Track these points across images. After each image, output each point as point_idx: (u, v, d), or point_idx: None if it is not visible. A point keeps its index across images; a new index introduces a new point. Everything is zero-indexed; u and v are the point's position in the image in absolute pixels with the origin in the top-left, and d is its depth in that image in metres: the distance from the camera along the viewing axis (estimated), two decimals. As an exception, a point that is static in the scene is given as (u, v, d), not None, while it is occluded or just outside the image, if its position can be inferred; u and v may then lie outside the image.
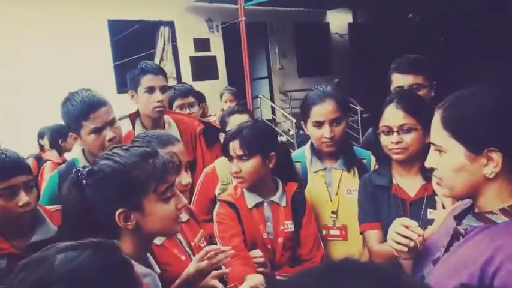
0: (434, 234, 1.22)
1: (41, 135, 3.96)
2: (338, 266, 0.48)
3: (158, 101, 2.12)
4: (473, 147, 0.97)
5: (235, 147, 1.63)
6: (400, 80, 2.02)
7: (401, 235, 1.14)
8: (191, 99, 2.69)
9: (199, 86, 7.41)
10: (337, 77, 9.63)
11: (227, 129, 2.01)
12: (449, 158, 1.01)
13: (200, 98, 2.85)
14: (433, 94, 2.02)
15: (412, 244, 1.13)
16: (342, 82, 8.71)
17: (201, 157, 2.27)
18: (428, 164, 1.09)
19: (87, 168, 1.07)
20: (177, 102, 2.66)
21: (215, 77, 7.96)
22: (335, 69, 10.04)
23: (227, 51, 8.12)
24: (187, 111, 2.64)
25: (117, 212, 1.03)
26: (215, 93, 7.60)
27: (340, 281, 0.46)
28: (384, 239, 1.61)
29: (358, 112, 8.24)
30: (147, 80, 2.12)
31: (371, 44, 9.54)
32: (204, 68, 7.76)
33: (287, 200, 1.72)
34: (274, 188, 1.72)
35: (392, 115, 1.56)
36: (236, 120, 2.01)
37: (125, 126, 2.17)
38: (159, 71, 2.18)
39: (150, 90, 2.12)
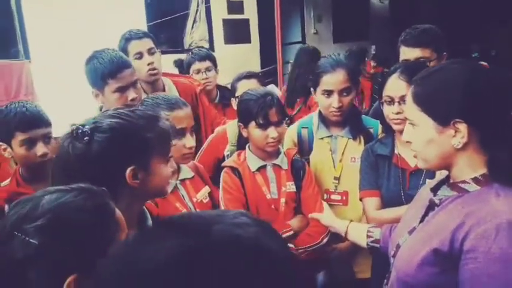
0: (411, 206, 1.26)
1: None
2: (149, 232, 0.52)
3: (148, 64, 2.15)
4: (440, 119, 1.01)
5: (275, 113, 1.67)
6: (406, 53, 1.99)
7: None
8: (208, 63, 2.72)
9: (231, 49, 7.48)
10: (374, 44, 9.37)
11: (236, 94, 2.05)
12: (420, 131, 1.05)
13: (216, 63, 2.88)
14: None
15: None
16: (379, 50, 8.46)
17: (203, 116, 2.33)
18: (404, 137, 1.14)
19: (90, 125, 1.09)
20: (194, 66, 2.72)
21: (247, 40, 7.91)
22: (372, 37, 9.72)
23: (261, 15, 7.99)
24: (204, 75, 2.68)
25: (129, 168, 1.06)
26: (246, 57, 7.63)
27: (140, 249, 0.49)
28: (383, 207, 1.67)
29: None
30: (133, 47, 2.16)
31: (412, 12, 9.12)
32: (236, 31, 7.71)
33: (287, 164, 1.78)
34: (276, 152, 1.77)
35: (395, 85, 1.57)
36: (244, 86, 2.05)
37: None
38: (144, 35, 2.21)
39: (139, 55, 2.16)
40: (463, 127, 0.98)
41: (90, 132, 1.07)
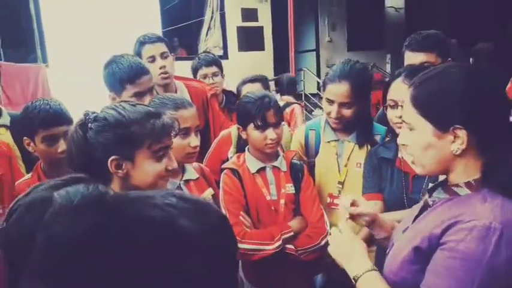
0: (413, 207, 1.25)
1: None
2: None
3: (160, 68, 2.21)
4: (440, 124, 0.99)
5: (273, 115, 1.69)
6: (410, 58, 1.99)
7: None
8: (215, 68, 2.76)
9: (245, 56, 7.54)
10: (389, 53, 9.33)
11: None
12: (418, 135, 1.04)
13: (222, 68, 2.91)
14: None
15: None
16: (394, 59, 8.43)
17: (213, 120, 2.37)
18: (400, 141, 1.12)
19: (95, 114, 1.17)
20: (201, 72, 2.75)
21: (261, 48, 7.97)
22: (387, 45, 9.68)
23: (275, 22, 8.06)
24: (211, 80, 2.72)
25: (111, 158, 1.12)
26: (260, 64, 7.68)
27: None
28: (385, 210, 1.66)
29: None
30: (146, 51, 2.22)
31: (428, 21, 9.06)
32: (250, 39, 7.77)
33: (286, 166, 1.79)
34: (275, 154, 1.79)
35: (398, 89, 1.57)
36: (248, 89, 2.08)
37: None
38: (157, 39, 2.26)
39: (152, 59, 2.22)
40: (462, 133, 0.97)
41: (92, 121, 1.13)
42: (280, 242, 1.64)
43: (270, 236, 1.64)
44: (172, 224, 0.50)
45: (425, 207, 1.10)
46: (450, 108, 0.98)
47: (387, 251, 1.18)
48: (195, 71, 2.80)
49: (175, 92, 2.31)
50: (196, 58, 2.87)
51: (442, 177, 1.50)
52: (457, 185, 1.02)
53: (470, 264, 0.89)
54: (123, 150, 1.13)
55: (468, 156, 1.00)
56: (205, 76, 2.74)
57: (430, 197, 1.11)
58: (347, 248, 1.19)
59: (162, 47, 2.25)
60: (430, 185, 1.56)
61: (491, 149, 0.99)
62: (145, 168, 1.16)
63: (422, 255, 0.98)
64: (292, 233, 1.68)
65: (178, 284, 0.47)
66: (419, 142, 1.04)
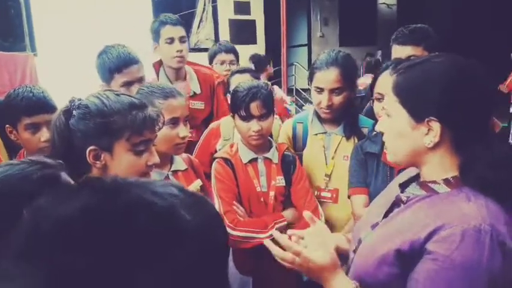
0: (377, 199, 1.22)
1: None
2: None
3: (177, 51, 2.25)
4: (415, 114, 0.96)
5: (257, 106, 1.67)
6: (398, 51, 2.00)
7: None
8: (232, 56, 2.82)
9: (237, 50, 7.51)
10: (381, 49, 9.35)
11: (230, 89, 2.07)
12: (394, 122, 1.01)
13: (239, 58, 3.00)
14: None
15: None
16: (385, 55, 8.46)
17: (216, 107, 2.40)
18: (377, 127, 1.10)
19: (80, 101, 1.14)
20: (220, 57, 2.80)
21: (253, 41, 7.95)
22: (379, 42, 9.71)
23: (267, 16, 8.04)
24: (227, 67, 2.77)
25: (89, 148, 1.09)
26: (251, 57, 7.66)
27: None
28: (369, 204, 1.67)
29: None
30: (166, 31, 2.26)
31: (420, 18, 9.09)
32: (242, 32, 7.75)
33: (278, 158, 1.79)
34: (267, 146, 1.78)
35: (384, 82, 1.57)
36: (237, 80, 2.06)
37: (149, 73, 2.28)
38: (178, 22, 2.30)
39: (170, 40, 2.25)
40: (436, 126, 0.94)
41: (76, 107, 1.11)
42: (273, 231, 1.64)
43: (263, 224, 1.64)
44: (173, 212, 0.49)
45: (397, 202, 1.05)
46: (427, 99, 0.94)
47: (353, 248, 1.12)
48: (212, 56, 2.85)
49: (185, 76, 2.36)
50: (217, 44, 2.96)
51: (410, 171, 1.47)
52: (434, 182, 0.98)
53: (470, 273, 0.84)
54: (101, 140, 1.10)
55: (443, 152, 0.96)
56: (223, 62, 2.80)
57: (402, 192, 1.07)
58: (314, 272, 1.06)
59: (181, 31, 2.30)
60: (400, 174, 1.58)
61: (468, 146, 0.95)
62: (124, 161, 1.12)
63: (403, 258, 0.92)
64: (285, 222, 1.68)
65: (171, 273, 0.46)
66: (393, 130, 1.01)
